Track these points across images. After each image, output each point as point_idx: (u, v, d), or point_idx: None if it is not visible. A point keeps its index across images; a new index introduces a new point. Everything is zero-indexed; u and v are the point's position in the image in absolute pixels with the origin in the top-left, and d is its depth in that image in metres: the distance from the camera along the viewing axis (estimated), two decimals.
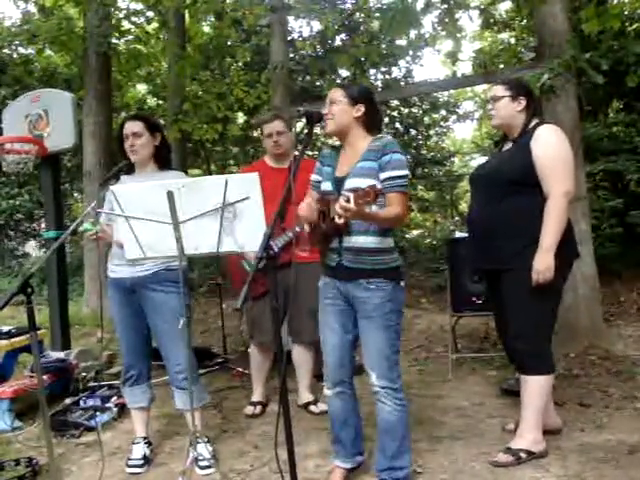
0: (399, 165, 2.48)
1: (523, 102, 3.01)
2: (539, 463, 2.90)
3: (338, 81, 11.64)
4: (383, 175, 2.47)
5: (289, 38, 9.91)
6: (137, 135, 3.10)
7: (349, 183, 2.52)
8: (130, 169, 3.18)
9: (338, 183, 2.59)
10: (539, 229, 2.84)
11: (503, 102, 3.03)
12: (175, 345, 3.01)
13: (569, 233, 2.95)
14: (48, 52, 10.77)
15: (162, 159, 3.23)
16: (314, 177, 2.77)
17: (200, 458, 3.01)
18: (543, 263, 2.80)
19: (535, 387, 2.94)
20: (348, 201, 2.17)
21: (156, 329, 3.13)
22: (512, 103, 3.02)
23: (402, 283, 2.64)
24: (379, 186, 2.39)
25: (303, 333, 3.77)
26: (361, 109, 2.60)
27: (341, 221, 2.29)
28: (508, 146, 3.11)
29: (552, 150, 2.89)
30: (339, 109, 2.60)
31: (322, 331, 2.75)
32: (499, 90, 3.06)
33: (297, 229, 3.56)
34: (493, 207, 2.98)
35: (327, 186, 2.64)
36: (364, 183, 2.36)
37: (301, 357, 3.90)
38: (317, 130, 11.35)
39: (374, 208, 2.36)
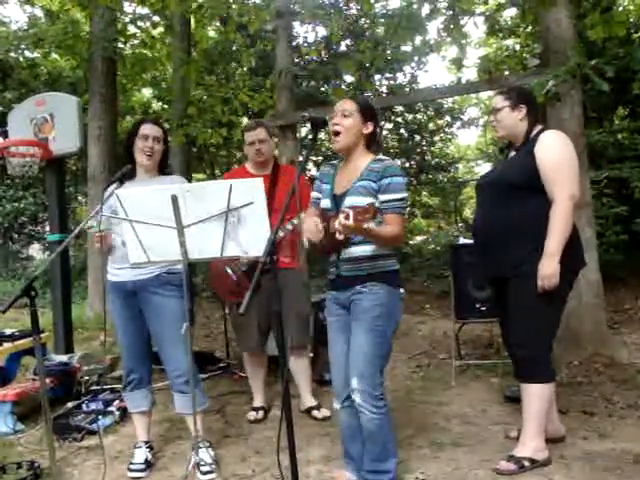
0: (398, 188, 2.54)
1: (523, 110, 3.01)
2: (542, 471, 2.88)
3: (343, 87, 11.65)
4: (382, 197, 2.53)
5: (294, 43, 9.94)
6: (158, 140, 3.15)
7: (348, 201, 2.56)
8: (131, 174, 3.19)
9: (337, 200, 2.64)
10: (545, 235, 2.82)
11: (504, 113, 3.03)
12: (175, 349, 3.01)
13: (576, 240, 2.94)
14: (54, 56, 10.85)
15: (164, 165, 3.29)
16: (314, 194, 2.82)
17: (202, 463, 3.01)
18: (548, 268, 2.79)
19: (535, 395, 2.92)
20: (347, 217, 2.21)
21: (156, 333, 3.13)
22: (512, 112, 3.01)
23: (401, 290, 2.65)
24: (377, 204, 2.46)
25: (290, 339, 3.75)
26: (370, 127, 2.65)
27: (341, 237, 2.35)
28: (513, 153, 3.10)
29: (556, 154, 2.88)
30: (352, 123, 2.63)
31: (329, 346, 2.78)
32: (499, 101, 3.06)
33: (281, 234, 3.57)
34: (498, 213, 2.97)
35: (326, 203, 2.69)
36: (363, 201, 2.44)
37: (296, 362, 3.88)
38: (321, 135, 11.37)
39: (372, 225, 2.37)
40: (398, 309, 2.65)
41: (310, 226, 2.56)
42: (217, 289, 4.09)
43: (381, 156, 2.64)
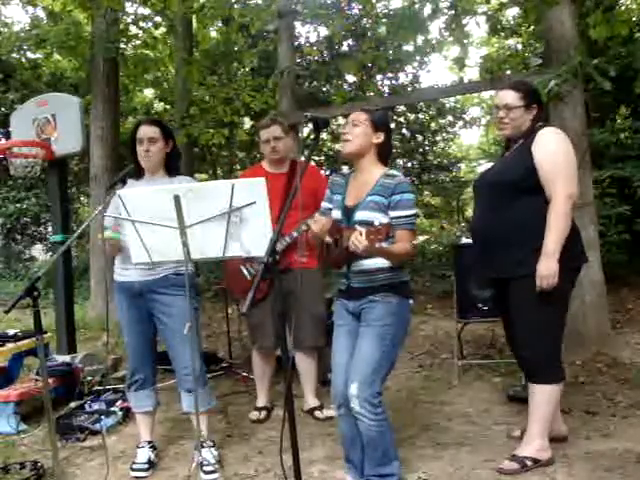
0: (409, 205, 2.56)
1: (535, 110, 2.96)
2: (545, 471, 2.88)
3: (345, 87, 11.65)
4: (393, 213, 2.54)
5: (296, 44, 9.93)
6: (153, 141, 3.10)
7: (359, 215, 2.57)
8: (139, 173, 3.18)
9: (348, 212, 2.64)
10: (543, 235, 2.80)
11: (518, 112, 2.95)
12: (184, 348, 3.00)
13: (575, 237, 2.91)
14: (56, 57, 10.86)
15: (172, 166, 3.23)
16: (324, 204, 2.82)
17: (205, 463, 3.01)
18: (547, 268, 2.76)
19: (543, 396, 2.91)
20: (361, 235, 2.22)
21: (165, 332, 3.13)
22: (525, 113, 2.95)
23: (410, 301, 2.67)
24: (387, 220, 2.47)
25: (304, 339, 3.75)
26: (381, 137, 2.65)
27: (357, 252, 2.35)
28: (510, 151, 3.07)
29: (554, 153, 2.85)
30: (361, 132, 2.63)
31: (333, 350, 2.78)
32: (514, 99, 2.95)
33: (294, 234, 3.55)
34: (496, 214, 2.95)
35: (337, 215, 2.69)
36: (373, 217, 2.44)
37: (304, 363, 3.88)
38: (323, 135, 11.36)
39: (384, 245, 2.37)
40: (407, 320, 2.67)
41: (318, 221, 2.57)
42: (233, 288, 4.05)
43: (393, 171, 2.65)
